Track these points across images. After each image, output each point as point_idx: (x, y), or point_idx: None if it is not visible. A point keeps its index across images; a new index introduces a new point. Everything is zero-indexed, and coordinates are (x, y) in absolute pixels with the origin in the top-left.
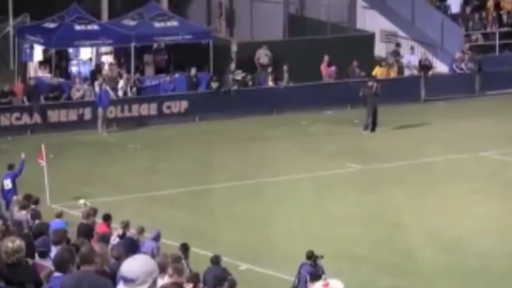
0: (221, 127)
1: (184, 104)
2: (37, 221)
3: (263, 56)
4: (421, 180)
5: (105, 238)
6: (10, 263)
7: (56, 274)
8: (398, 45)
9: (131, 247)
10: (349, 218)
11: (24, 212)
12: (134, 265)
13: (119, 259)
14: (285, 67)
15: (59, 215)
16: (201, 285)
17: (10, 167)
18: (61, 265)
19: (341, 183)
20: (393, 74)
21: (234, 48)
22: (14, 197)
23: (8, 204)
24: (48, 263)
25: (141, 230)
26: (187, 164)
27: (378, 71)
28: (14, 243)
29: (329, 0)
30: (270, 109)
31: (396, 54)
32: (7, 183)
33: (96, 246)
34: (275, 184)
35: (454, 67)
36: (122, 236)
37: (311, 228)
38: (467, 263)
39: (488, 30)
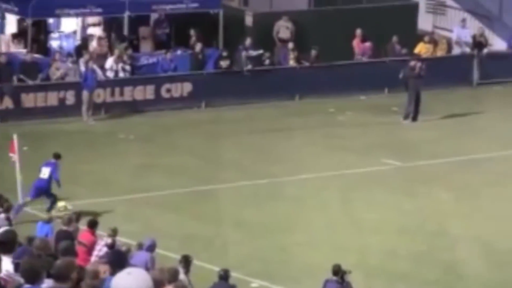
0: (231, 115)
1: (187, 87)
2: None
3: (283, 29)
4: (471, 181)
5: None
6: None
7: (26, 286)
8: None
9: (119, 258)
10: (384, 225)
11: (2, 215)
12: (130, 281)
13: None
14: (313, 52)
15: (49, 220)
16: None
17: (57, 156)
18: (31, 274)
19: (375, 183)
20: (440, 52)
21: (249, 19)
22: None
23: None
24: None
25: (114, 232)
26: (189, 160)
27: (422, 49)
28: None
29: None
30: (291, 94)
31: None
32: (45, 172)
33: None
34: (296, 184)
35: None
36: (111, 246)
37: (337, 237)
38: None
39: None
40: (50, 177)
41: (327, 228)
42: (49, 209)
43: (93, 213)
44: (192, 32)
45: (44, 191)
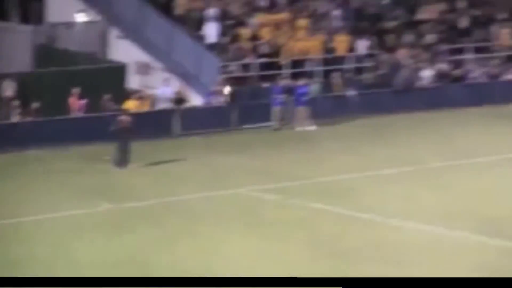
0: None
1: None
2: None
3: (8, 88)
4: (175, 220)
5: None
6: None
7: None
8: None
9: None
10: (96, 262)
11: None
12: None
13: None
14: (34, 106)
15: None
16: None
17: None
18: None
19: (90, 224)
20: (146, 107)
21: None
22: None
23: None
24: None
25: None
26: None
27: (130, 105)
28: None
29: (81, 30)
30: (16, 146)
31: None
32: None
33: None
34: (17, 226)
35: (210, 99)
36: None
37: (59, 274)
38: None
39: (246, 61)
40: None
41: (44, 266)
42: None
43: None
44: None
45: None
